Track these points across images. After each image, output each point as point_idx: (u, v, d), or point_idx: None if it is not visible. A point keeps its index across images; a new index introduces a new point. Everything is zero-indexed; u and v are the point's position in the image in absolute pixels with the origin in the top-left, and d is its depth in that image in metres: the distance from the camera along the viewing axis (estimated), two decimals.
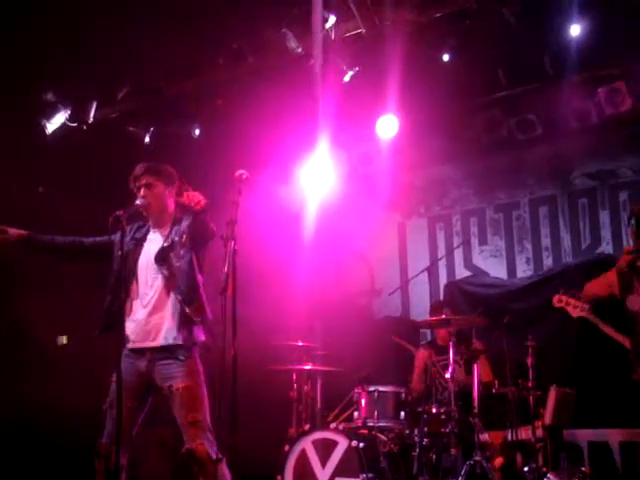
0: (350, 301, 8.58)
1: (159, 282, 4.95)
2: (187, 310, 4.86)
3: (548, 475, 5.99)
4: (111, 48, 7.21)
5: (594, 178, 8.07)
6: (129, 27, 7.01)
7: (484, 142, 8.26)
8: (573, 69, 7.32)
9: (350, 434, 6.32)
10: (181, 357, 4.84)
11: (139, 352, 4.92)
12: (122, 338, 4.82)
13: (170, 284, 4.92)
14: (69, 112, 8.18)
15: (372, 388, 6.60)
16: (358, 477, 6.07)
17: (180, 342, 4.86)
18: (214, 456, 4.68)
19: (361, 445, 6.16)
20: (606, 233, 8.17)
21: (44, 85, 8.00)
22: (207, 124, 8.58)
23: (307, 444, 6.37)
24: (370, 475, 6.07)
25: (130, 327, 4.94)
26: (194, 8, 6.88)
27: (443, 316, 6.55)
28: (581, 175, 8.33)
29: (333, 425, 6.71)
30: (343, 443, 6.23)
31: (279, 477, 6.39)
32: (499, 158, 8.54)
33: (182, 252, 4.94)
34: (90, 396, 5.52)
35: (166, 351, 4.87)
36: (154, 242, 5.07)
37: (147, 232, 5.15)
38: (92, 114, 8.18)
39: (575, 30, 7.01)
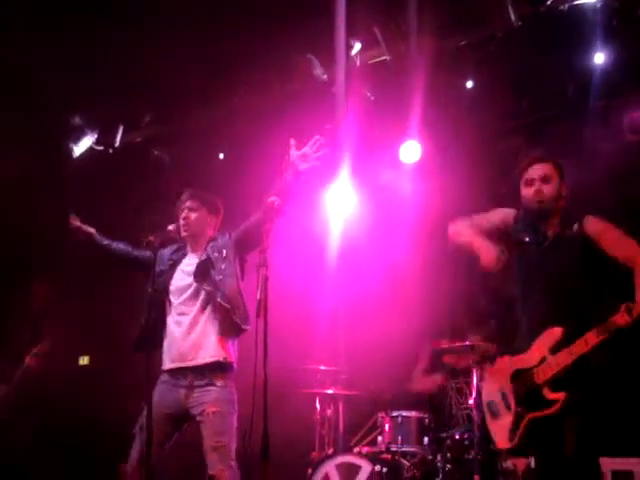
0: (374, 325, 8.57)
1: (196, 300, 5.01)
2: (234, 317, 4.92)
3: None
4: (139, 73, 7.34)
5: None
6: (157, 53, 7.13)
7: (508, 168, 8.27)
8: (596, 97, 7.35)
9: (373, 459, 6.32)
10: (218, 384, 4.89)
11: (178, 374, 4.96)
12: (151, 359, 4.85)
13: (211, 299, 4.97)
14: (96, 136, 8.30)
15: (396, 413, 6.61)
16: None
17: (220, 359, 4.91)
18: None
19: (384, 470, 6.17)
20: None
21: (71, 109, 8.12)
22: (232, 149, 8.67)
23: (330, 468, 6.38)
24: None
25: (167, 348, 5.01)
26: (222, 35, 7.00)
27: (467, 342, 6.54)
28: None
29: (356, 449, 6.71)
30: (366, 468, 6.23)
31: None
32: None
33: (223, 266, 5.03)
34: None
35: (204, 375, 4.91)
36: (189, 265, 5.16)
37: (184, 256, 5.25)
38: (119, 138, 8.30)
39: (599, 58, 7.06)
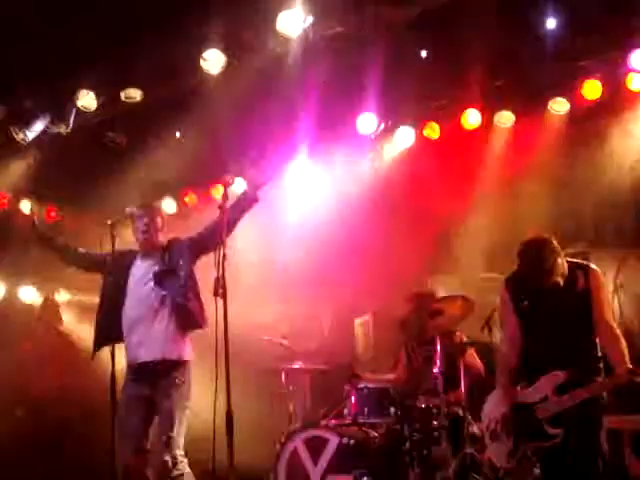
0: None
1: (152, 301, 5.18)
2: (181, 319, 5.13)
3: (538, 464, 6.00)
4: (93, 53, 7.21)
5: None
6: (111, 32, 7.02)
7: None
8: (550, 62, 7.39)
9: (341, 431, 6.33)
10: (177, 381, 5.12)
11: (140, 370, 5.16)
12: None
13: (166, 301, 5.16)
14: (49, 119, 8.15)
15: (362, 385, 6.62)
16: (350, 474, 6.11)
17: (174, 358, 5.13)
18: None
19: (352, 442, 6.19)
20: None
21: (23, 92, 7.97)
22: (188, 128, 8.57)
23: (298, 442, 6.40)
24: (362, 471, 6.09)
25: (127, 346, 5.20)
26: (175, 10, 6.88)
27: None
28: None
29: (324, 422, 6.72)
30: (334, 440, 6.26)
31: (272, 476, 6.41)
32: None
33: (182, 274, 5.21)
34: None
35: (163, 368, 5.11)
36: (142, 267, 5.33)
37: (134, 259, 5.40)
38: (72, 120, 8.15)
39: (551, 23, 7.09)
